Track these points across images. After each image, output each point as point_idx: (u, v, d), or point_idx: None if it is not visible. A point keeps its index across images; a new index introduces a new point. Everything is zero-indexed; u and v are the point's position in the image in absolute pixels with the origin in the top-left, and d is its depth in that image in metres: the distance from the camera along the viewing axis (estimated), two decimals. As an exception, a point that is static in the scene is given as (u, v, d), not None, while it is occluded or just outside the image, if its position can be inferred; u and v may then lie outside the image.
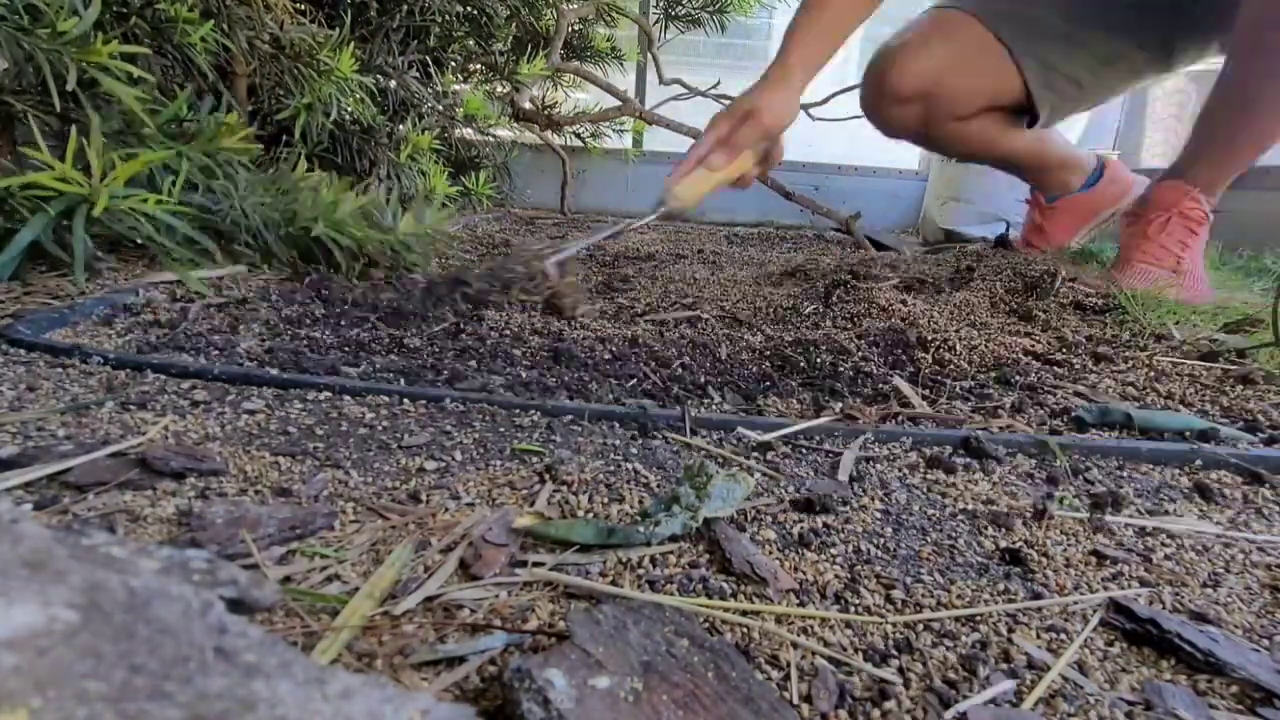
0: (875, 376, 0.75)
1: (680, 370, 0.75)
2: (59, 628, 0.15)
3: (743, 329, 0.93)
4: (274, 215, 0.94)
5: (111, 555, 0.18)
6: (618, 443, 0.55)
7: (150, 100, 0.88)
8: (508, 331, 0.84)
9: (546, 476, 0.49)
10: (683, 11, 2.35)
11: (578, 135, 2.37)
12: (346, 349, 0.74)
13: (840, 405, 0.65)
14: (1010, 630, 0.36)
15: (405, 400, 0.60)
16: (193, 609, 0.17)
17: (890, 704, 0.30)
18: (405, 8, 1.50)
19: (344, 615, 0.33)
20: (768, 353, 0.81)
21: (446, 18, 1.60)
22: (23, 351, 0.62)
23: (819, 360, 0.79)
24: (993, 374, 0.77)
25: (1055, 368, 0.80)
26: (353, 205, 0.98)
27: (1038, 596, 0.39)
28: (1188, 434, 0.63)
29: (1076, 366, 0.81)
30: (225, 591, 0.20)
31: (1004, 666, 0.33)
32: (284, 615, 0.32)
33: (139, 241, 0.83)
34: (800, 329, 0.92)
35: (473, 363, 0.73)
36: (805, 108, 2.58)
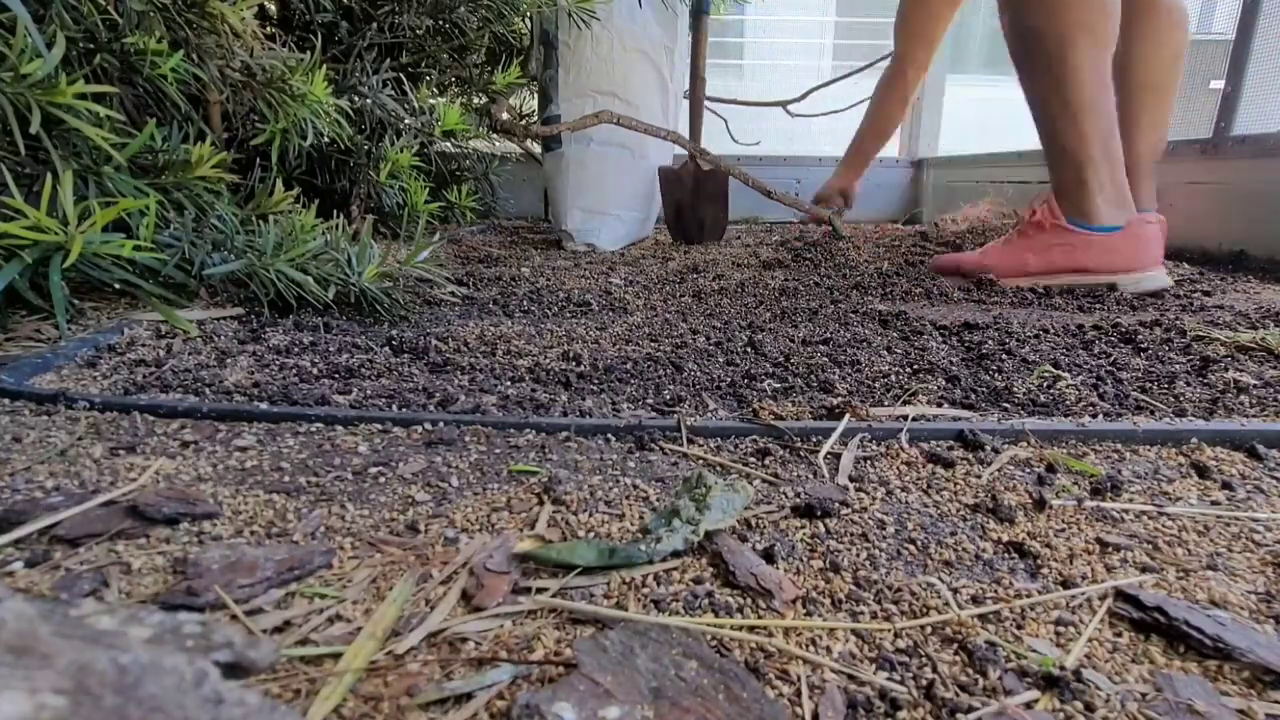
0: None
1: (675, 374, 0.74)
2: (47, 716, 0.15)
3: (730, 328, 0.93)
4: (241, 259, 0.91)
5: (100, 629, 0.18)
6: (615, 457, 0.55)
7: (118, 140, 0.86)
8: (499, 345, 0.84)
9: (545, 497, 0.48)
10: (655, 13, 2.34)
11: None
12: (336, 375, 0.73)
13: (836, 402, 0.65)
14: (1019, 627, 0.36)
15: (397, 427, 0.59)
16: (186, 681, 0.17)
17: (902, 714, 0.30)
18: (375, 25, 1.49)
19: (347, 658, 0.32)
20: (757, 350, 0.81)
21: (418, 33, 1.59)
22: (6, 401, 0.62)
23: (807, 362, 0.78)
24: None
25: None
26: (304, 247, 0.92)
27: (1044, 590, 0.39)
28: None
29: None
30: (220, 656, 0.20)
31: (1015, 666, 0.33)
32: (286, 663, 0.32)
33: (117, 286, 0.82)
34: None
35: (465, 380, 0.72)
36: (783, 104, 2.58)
